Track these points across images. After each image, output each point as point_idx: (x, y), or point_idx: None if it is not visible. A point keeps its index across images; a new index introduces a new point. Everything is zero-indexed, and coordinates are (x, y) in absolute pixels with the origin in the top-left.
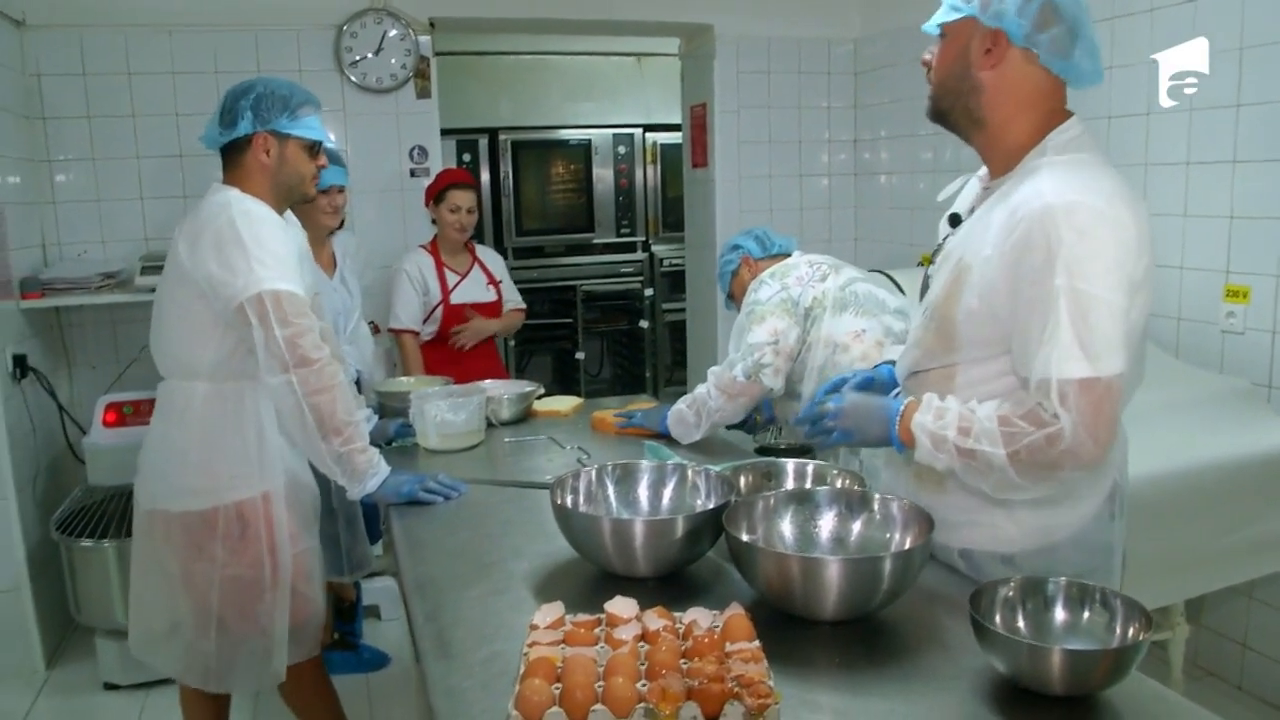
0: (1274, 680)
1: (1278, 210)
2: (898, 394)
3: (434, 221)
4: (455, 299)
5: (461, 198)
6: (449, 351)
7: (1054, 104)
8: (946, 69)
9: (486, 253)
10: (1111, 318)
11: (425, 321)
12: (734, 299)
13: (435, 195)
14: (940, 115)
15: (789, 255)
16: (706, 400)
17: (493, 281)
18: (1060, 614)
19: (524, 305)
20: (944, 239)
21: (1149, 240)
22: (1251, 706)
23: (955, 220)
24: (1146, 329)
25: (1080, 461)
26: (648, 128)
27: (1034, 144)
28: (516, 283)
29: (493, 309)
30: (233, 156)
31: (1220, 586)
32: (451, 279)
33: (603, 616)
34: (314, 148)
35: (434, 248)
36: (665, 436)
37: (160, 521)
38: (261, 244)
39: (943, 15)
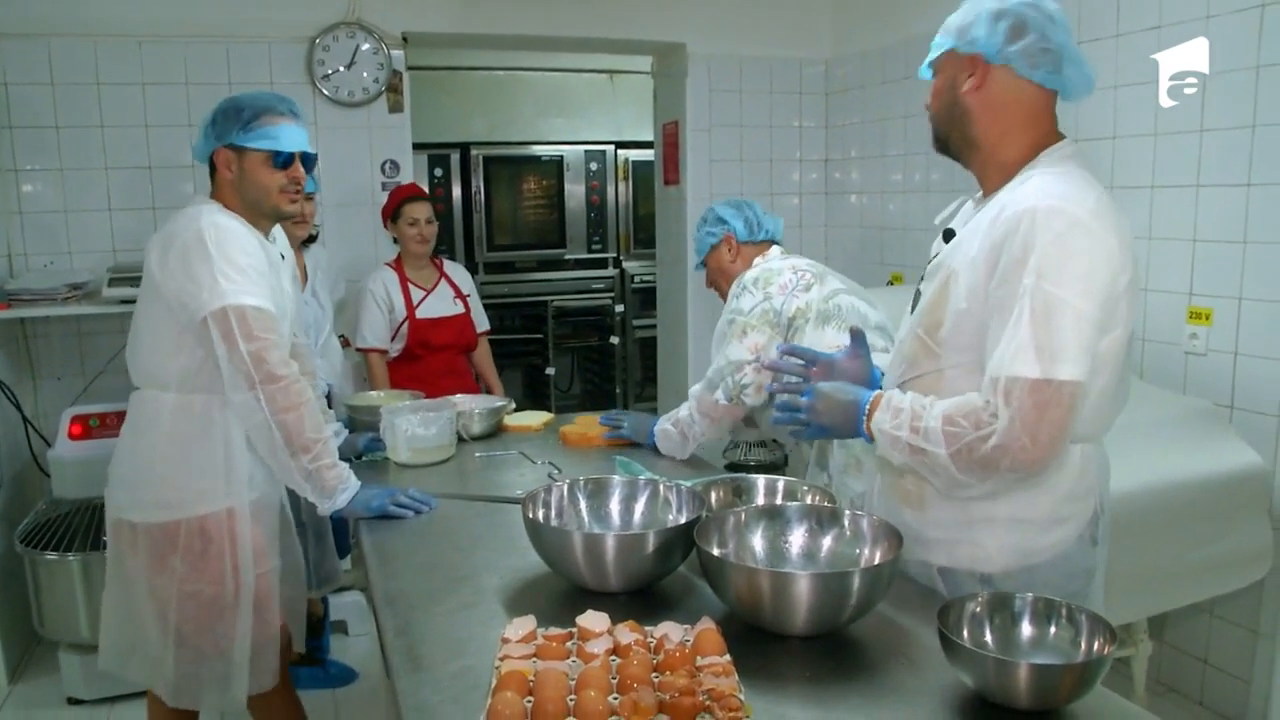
0: (1233, 696)
1: (1240, 234)
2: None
3: (395, 240)
4: (421, 314)
5: (418, 210)
6: (417, 368)
7: (1046, 124)
8: (939, 101)
9: (455, 269)
10: (1076, 324)
11: (392, 339)
12: (706, 268)
13: (391, 213)
14: (942, 145)
15: (774, 243)
16: (691, 424)
17: (460, 296)
18: (1027, 629)
19: (488, 327)
20: (935, 254)
21: (1131, 258)
22: None
23: (949, 236)
24: (1129, 349)
25: (1017, 460)
26: (620, 144)
27: (1027, 161)
28: (486, 298)
29: (459, 323)
30: (212, 173)
31: (1183, 604)
32: (416, 294)
33: (574, 630)
34: (276, 159)
35: (398, 265)
36: (647, 447)
37: (126, 531)
38: (228, 258)
39: (929, 56)
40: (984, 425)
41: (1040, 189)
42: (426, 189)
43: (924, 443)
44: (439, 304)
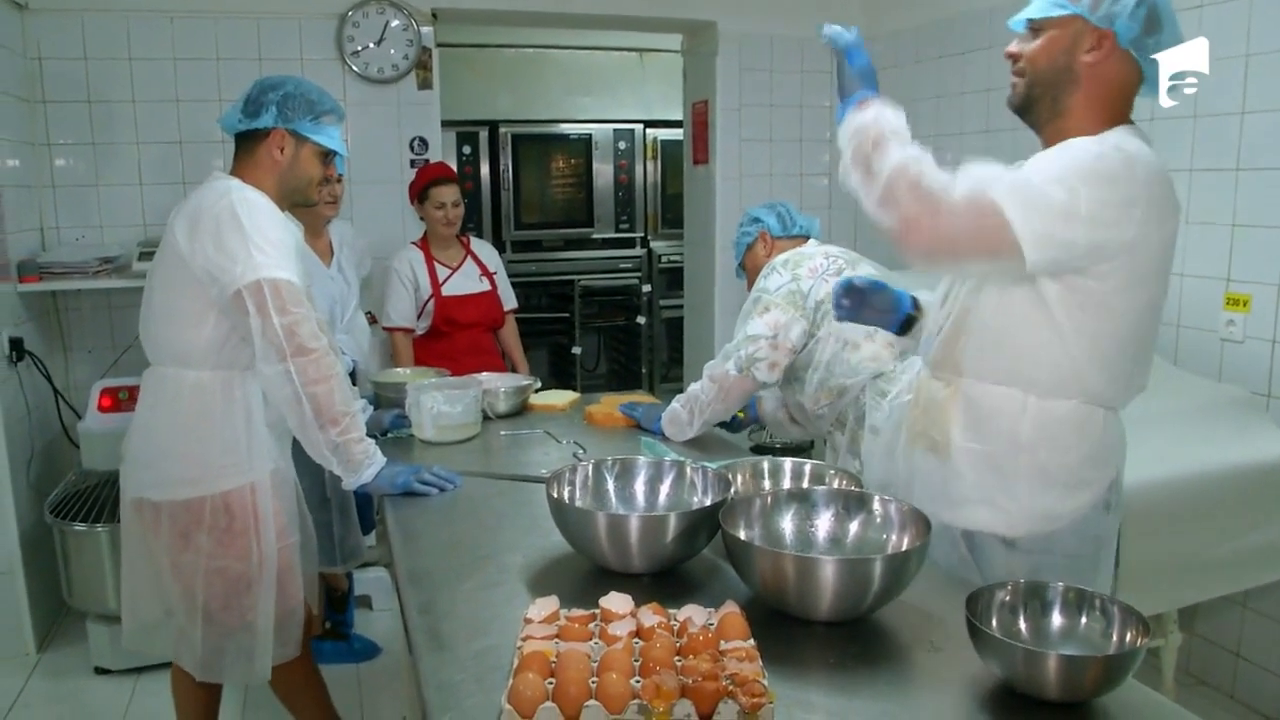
0: (1267, 690)
1: (1279, 219)
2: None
3: (421, 219)
4: (447, 292)
5: (445, 193)
6: (444, 346)
7: (1127, 107)
8: (1049, 60)
9: (482, 246)
10: (1060, 206)
11: (419, 317)
12: (745, 270)
13: (419, 194)
14: (1027, 103)
15: (809, 238)
16: (698, 395)
17: (486, 273)
18: (1057, 619)
19: (515, 305)
20: None
21: (1171, 214)
22: (1244, 716)
23: None
24: (1156, 319)
25: (908, 216)
26: (648, 124)
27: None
28: (514, 276)
29: (487, 299)
30: (247, 146)
31: (1215, 595)
32: (442, 273)
33: (597, 612)
34: (327, 155)
35: (424, 243)
36: (659, 435)
37: (147, 510)
38: (261, 231)
39: (1043, 11)
40: (929, 182)
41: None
42: (455, 166)
43: (881, 147)
44: (465, 281)
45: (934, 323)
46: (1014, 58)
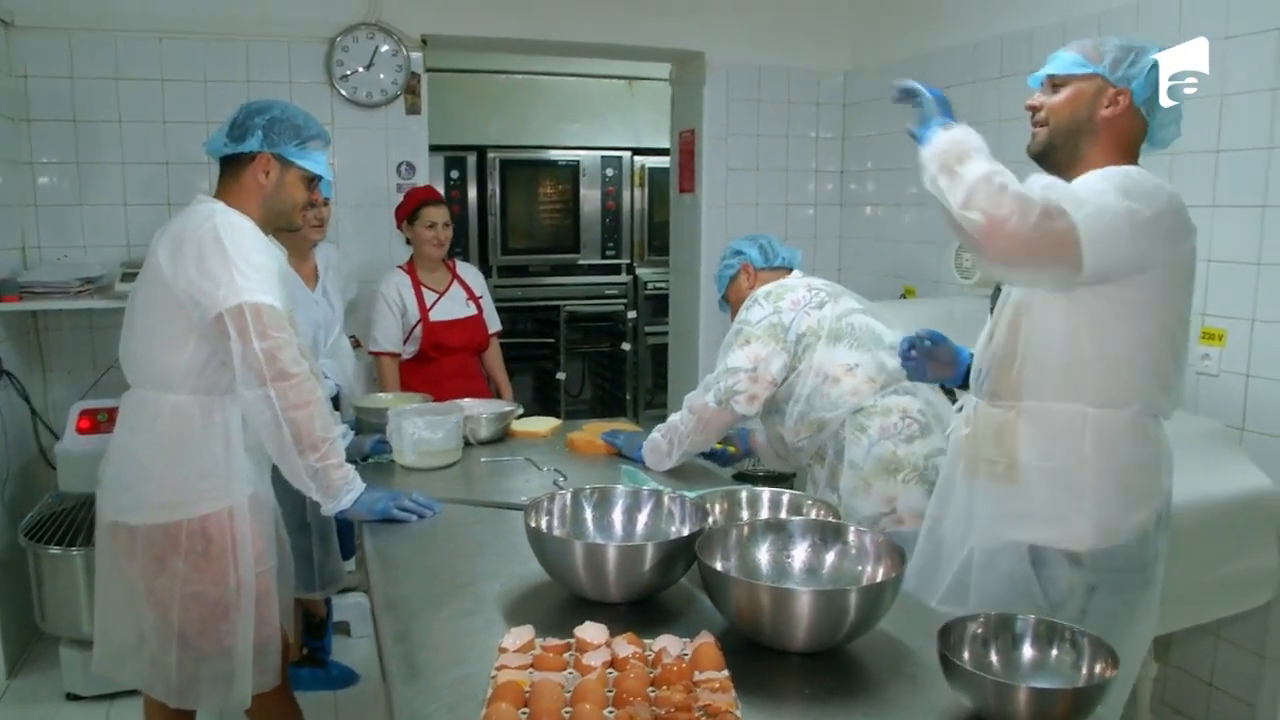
0: (1238, 719)
1: (1254, 255)
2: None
3: (408, 241)
4: (434, 316)
5: (435, 214)
6: (431, 369)
7: (1136, 154)
8: (1070, 114)
9: (467, 270)
10: (1119, 219)
11: (406, 341)
12: (728, 302)
13: (409, 214)
14: (1048, 150)
15: (791, 270)
16: (678, 426)
17: (473, 298)
18: (1028, 651)
19: (500, 328)
20: None
21: (1187, 226)
22: None
23: None
24: (1186, 344)
25: (995, 218)
26: (636, 151)
27: None
28: (499, 301)
29: (473, 324)
30: (232, 169)
31: (1189, 625)
32: (430, 297)
33: (572, 641)
34: (312, 180)
35: (411, 267)
36: (640, 463)
37: (123, 534)
38: (244, 255)
39: (1066, 68)
40: (1015, 188)
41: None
42: (442, 190)
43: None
44: (452, 306)
45: (980, 359)
46: (1035, 109)
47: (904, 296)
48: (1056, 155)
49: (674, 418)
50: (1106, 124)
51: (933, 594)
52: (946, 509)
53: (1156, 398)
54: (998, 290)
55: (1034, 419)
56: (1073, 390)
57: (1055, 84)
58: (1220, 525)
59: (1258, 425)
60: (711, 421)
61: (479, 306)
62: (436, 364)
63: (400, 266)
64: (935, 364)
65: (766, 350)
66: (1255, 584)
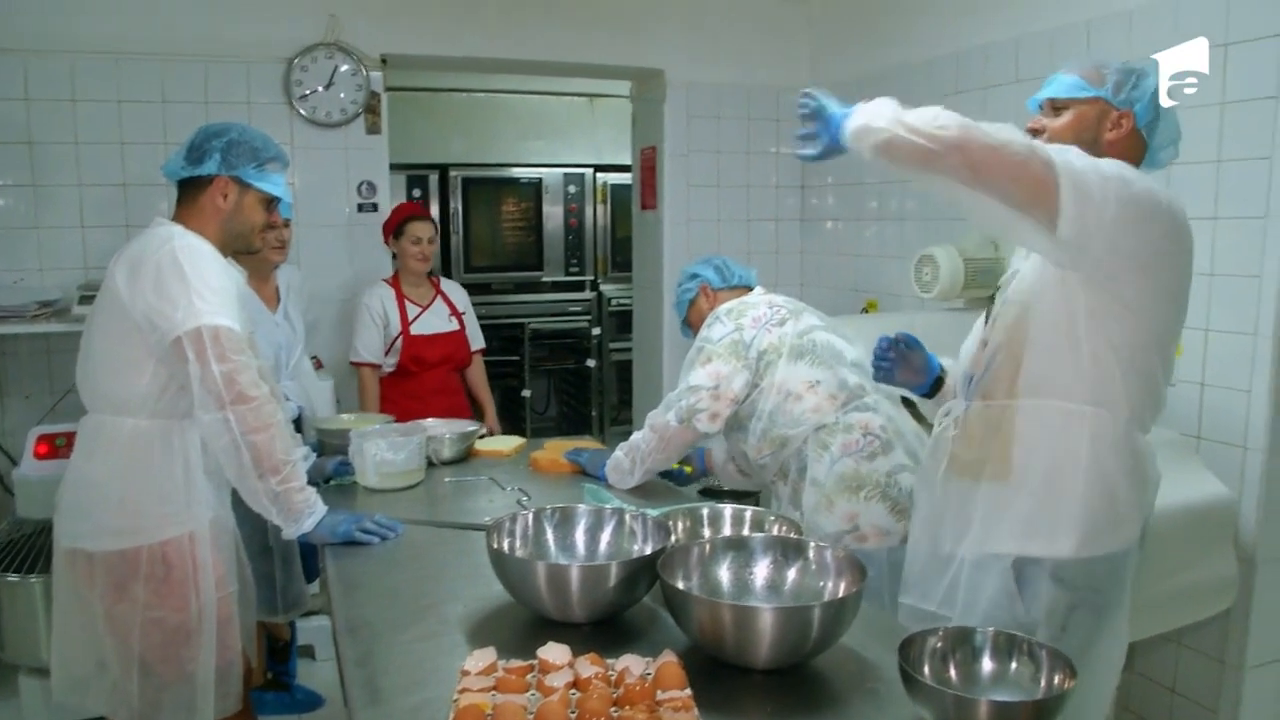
0: None
1: (1208, 267)
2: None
3: (394, 256)
4: (415, 330)
5: (421, 229)
6: (411, 384)
7: None
8: (1075, 137)
9: (452, 287)
10: (1109, 178)
11: (387, 354)
12: (690, 326)
13: (395, 229)
14: None
15: (749, 289)
16: (639, 444)
17: (455, 313)
18: (988, 664)
19: (483, 345)
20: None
21: (1185, 233)
22: None
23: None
24: (1173, 357)
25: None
26: (599, 168)
27: None
28: None
29: (454, 340)
30: (190, 193)
31: (1152, 634)
32: (412, 311)
33: (535, 662)
34: (271, 202)
35: (395, 281)
36: (603, 481)
37: (81, 561)
38: (203, 278)
39: (1069, 92)
40: (1027, 150)
41: None
42: None
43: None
44: (434, 320)
45: (971, 362)
46: (1035, 132)
47: (866, 311)
48: None
49: (636, 436)
50: (1109, 147)
51: (932, 599)
52: (928, 512)
53: (1145, 405)
54: (992, 298)
55: (1029, 416)
56: (1070, 390)
57: (1056, 107)
58: (1181, 534)
59: (1214, 434)
60: (673, 440)
61: (461, 323)
62: (417, 379)
63: (385, 280)
64: (907, 369)
65: (728, 368)
66: (1215, 591)
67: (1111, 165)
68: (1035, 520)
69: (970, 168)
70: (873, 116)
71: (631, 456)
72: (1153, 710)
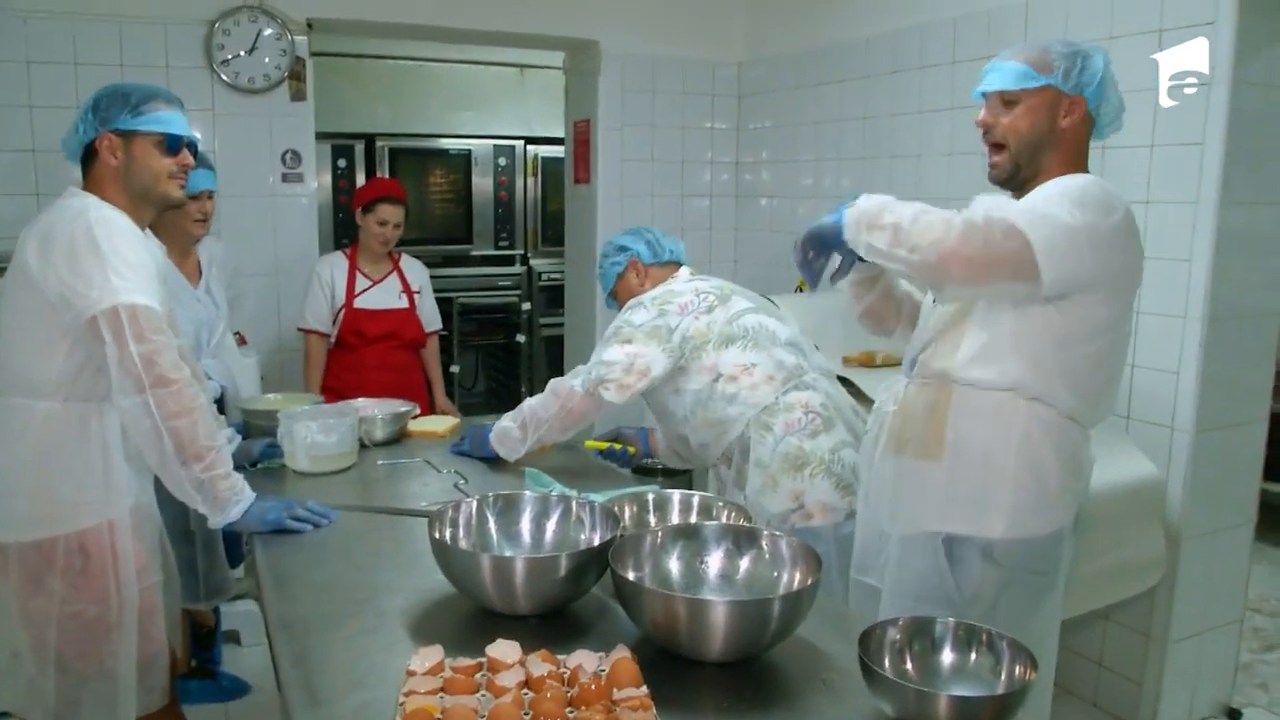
0: (1126, 698)
1: None
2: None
3: (358, 227)
4: (359, 304)
5: (390, 212)
6: (351, 358)
7: (1086, 157)
8: (1031, 128)
9: (411, 265)
10: (1065, 227)
11: (334, 324)
12: (616, 299)
13: (366, 204)
14: (1014, 170)
15: (679, 264)
16: (537, 410)
17: (408, 291)
18: (948, 656)
19: (439, 326)
20: None
21: (1137, 239)
22: None
23: None
24: (1124, 359)
25: (939, 239)
26: (529, 140)
27: None
28: None
29: (399, 317)
30: (88, 165)
31: (1083, 611)
32: (362, 284)
33: (484, 661)
34: (166, 143)
35: (353, 253)
36: (485, 460)
37: None
38: (119, 254)
39: (1018, 83)
40: (950, 217)
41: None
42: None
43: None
44: (382, 296)
45: (915, 340)
46: (988, 127)
47: (799, 289)
48: (1020, 172)
49: (531, 401)
50: (1064, 134)
51: (878, 574)
52: (870, 489)
53: (1081, 404)
54: None
55: (966, 400)
56: (1005, 380)
57: (1006, 101)
58: (1111, 513)
59: (1142, 414)
60: (575, 409)
61: (412, 301)
62: (357, 353)
63: (343, 250)
64: (820, 257)
65: (647, 350)
66: (1144, 569)
67: (1073, 212)
68: (965, 500)
69: (959, 283)
70: (859, 215)
71: (523, 423)
72: (1079, 684)
